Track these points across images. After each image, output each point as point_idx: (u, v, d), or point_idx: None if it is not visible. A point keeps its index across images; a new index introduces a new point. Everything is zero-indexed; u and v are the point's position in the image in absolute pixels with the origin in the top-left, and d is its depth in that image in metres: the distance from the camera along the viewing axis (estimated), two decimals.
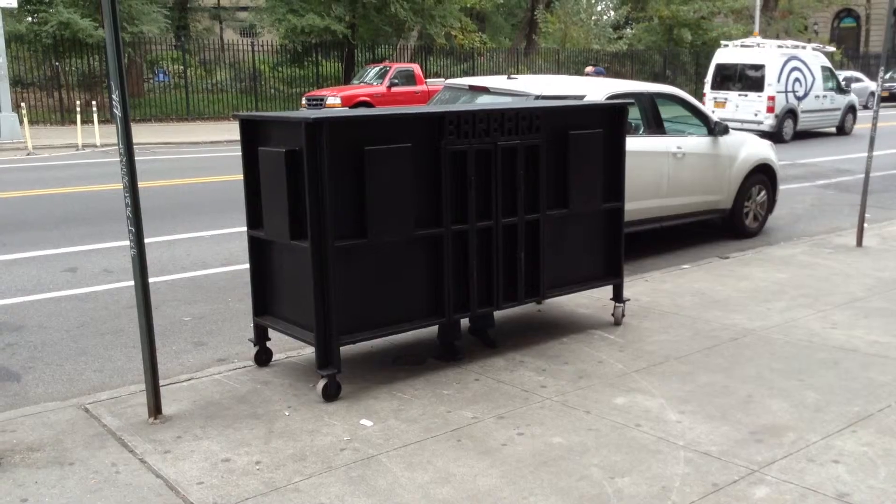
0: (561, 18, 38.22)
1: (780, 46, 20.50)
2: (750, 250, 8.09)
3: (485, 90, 7.61)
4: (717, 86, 20.63)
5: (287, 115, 4.50)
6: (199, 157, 16.98)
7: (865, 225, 8.24)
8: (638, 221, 7.55)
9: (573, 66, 35.67)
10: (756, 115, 19.66)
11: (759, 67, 19.76)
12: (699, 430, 3.97)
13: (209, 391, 4.51)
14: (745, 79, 20.00)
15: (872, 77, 34.76)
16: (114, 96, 3.86)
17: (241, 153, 4.67)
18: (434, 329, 5.02)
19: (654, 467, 3.60)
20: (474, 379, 4.65)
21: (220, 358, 5.32)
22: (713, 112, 20.59)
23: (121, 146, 3.89)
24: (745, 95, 19.97)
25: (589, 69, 13.11)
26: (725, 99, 20.20)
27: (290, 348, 5.14)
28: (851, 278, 6.83)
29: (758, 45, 20.65)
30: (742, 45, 20.90)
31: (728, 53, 20.73)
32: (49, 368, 5.15)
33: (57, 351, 5.45)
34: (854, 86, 34.35)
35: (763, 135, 19.86)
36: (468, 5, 34.62)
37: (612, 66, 37.08)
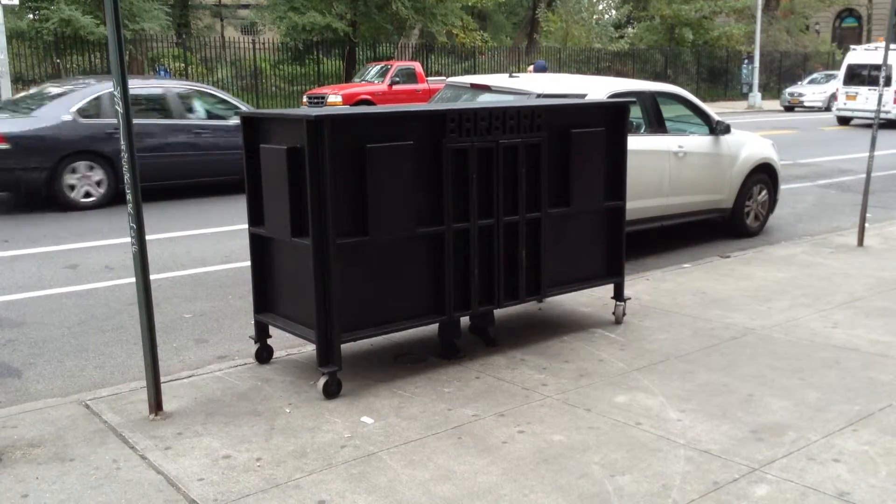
0: (562, 17, 38.22)
1: None
2: (751, 249, 8.09)
3: (486, 88, 7.61)
4: (847, 82, 24.89)
5: (289, 113, 4.50)
6: None
7: (866, 224, 8.23)
8: (639, 220, 7.54)
9: (575, 65, 35.68)
10: (884, 105, 23.91)
11: (887, 67, 24.10)
12: (700, 428, 3.97)
13: (210, 388, 4.51)
14: (873, 76, 23.61)
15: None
16: (116, 92, 3.86)
17: (242, 150, 4.67)
18: (435, 327, 5.03)
19: (654, 465, 3.60)
20: (475, 377, 4.66)
21: (220, 355, 5.32)
22: (845, 104, 24.43)
23: (123, 142, 3.89)
24: (874, 90, 23.27)
25: (531, 67, 13.08)
26: (856, 93, 24.42)
27: (290, 345, 5.14)
28: (852, 278, 6.83)
29: (876, 48, 24.52)
30: (865, 49, 25.03)
31: (858, 55, 24.77)
32: (50, 365, 5.16)
33: (58, 347, 5.45)
34: None
35: (889, 122, 22.70)
36: (469, 4, 34.61)
37: (614, 65, 37.11)
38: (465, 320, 5.20)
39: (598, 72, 35.19)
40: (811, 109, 32.82)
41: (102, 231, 8.94)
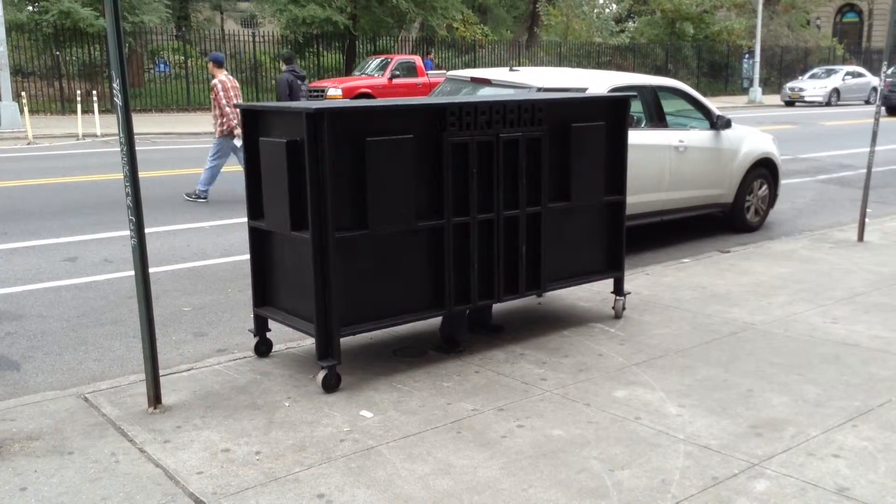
0: (563, 11, 38.13)
1: None
2: (751, 245, 8.09)
3: (486, 82, 7.59)
4: None
5: (288, 106, 4.48)
6: (200, 147, 16.95)
7: (867, 220, 8.22)
8: (639, 215, 7.53)
9: (575, 59, 35.62)
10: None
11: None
12: (699, 423, 3.97)
13: (209, 381, 4.51)
14: None
15: (875, 72, 34.71)
16: (114, 85, 3.84)
17: (242, 144, 4.65)
18: (434, 321, 5.02)
19: (653, 460, 3.59)
20: (474, 371, 4.65)
21: (220, 348, 5.32)
22: None
23: (121, 135, 3.87)
24: None
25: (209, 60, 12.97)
26: None
27: (290, 339, 5.14)
28: (852, 273, 6.82)
29: None
30: None
31: None
32: (49, 358, 5.15)
33: (56, 340, 5.44)
34: (856, 81, 34.51)
35: None
36: None
37: (614, 59, 37.05)
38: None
39: (599, 66, 35.12)
40: (812, 104, 32.81)
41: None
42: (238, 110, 10.83)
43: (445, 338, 5.00)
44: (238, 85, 11.28)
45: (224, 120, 10.77)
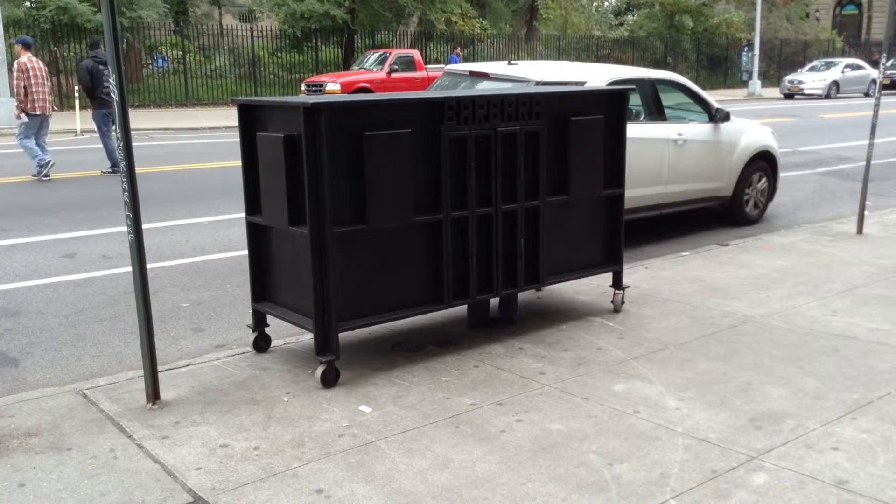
0: (562, 5, 38.11)
1: None
2: (750, 238, 8.08)
3: (485, 76, 7.58)
4: None
5: (286, 100, 4.47)
6: (198, 142, 16.94)
7: (866, 212, 8.22)
8: (638, 208, 7.52)
9: (574, 52, 35.57)
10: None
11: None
12: (698, 416, 3.96)
13: (208, 377, 4.51)
14: None
15: (874, 64, 34.68)
16: (111, 80, 3.83)
17: (239, 139, 4.65)
18: (433, 316, 5.02)
19: (652, 454, 3.59)
20: (473, 366, 4.65)
21: (218, 344, 5.31)
22: None
23: (118, 131, 3.86)
24: None
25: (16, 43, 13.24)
26: None
27: (288, 334, 5.13)
28: (852, 266, 6.82)
29: None
30: None
31: None
32: (47, 354, 5.15)
33: (55, 336, 5.44)
34: (855, 73, 34.47)
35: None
36: None
37: (613, 52, 37.01)
38: (462, 311, 5.18)
39: (598, 59, 35.09)
40: (811, 97, 32.79)
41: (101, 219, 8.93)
42: (44, 91, 11.24)
43: (473, 326, 5.21)
44: (43, 67, 11.70)
45: (26, 99, 11.37)
